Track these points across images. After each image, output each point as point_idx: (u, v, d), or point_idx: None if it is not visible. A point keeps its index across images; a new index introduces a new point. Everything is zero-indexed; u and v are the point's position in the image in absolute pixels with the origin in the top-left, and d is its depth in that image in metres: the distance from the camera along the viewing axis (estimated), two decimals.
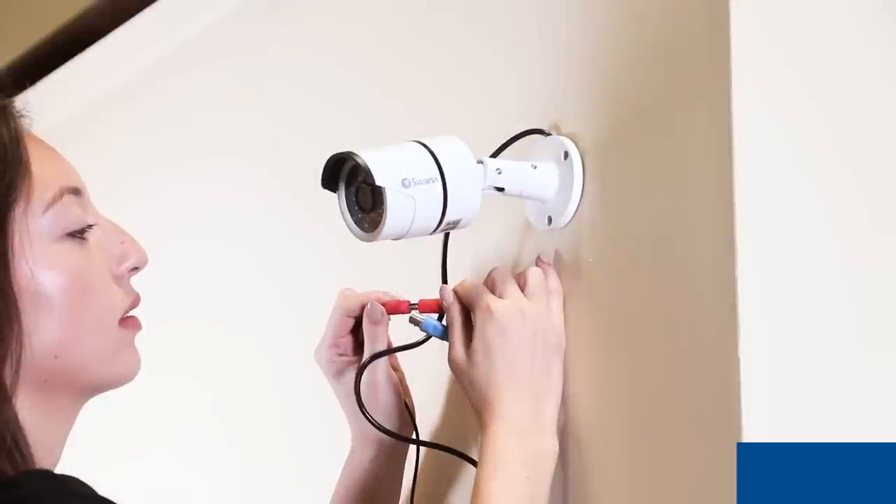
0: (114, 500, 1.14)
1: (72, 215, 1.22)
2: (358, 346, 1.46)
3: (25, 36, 2.64)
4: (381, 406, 1.44)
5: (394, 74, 1.74)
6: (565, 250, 1.40)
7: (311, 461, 1.86)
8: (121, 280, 1.26)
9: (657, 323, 1.29)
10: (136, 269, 1.27)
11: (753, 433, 1.19)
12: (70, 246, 1.21)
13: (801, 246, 1.25)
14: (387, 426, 1.44)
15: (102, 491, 1.14)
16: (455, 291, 1.38)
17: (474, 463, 1.41)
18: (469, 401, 1.35)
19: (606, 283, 1.35)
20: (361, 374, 1.42)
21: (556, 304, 1.36)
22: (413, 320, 1.41)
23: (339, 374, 1.46)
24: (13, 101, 1.23)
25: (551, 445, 1.32)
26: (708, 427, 1.23)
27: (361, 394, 1.42)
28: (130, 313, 1.28)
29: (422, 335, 1.43)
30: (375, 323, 1.42)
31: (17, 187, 1.19)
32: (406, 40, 1.72)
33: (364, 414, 1.42)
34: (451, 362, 1.35)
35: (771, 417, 1.21)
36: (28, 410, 1.18)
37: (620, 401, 1.32)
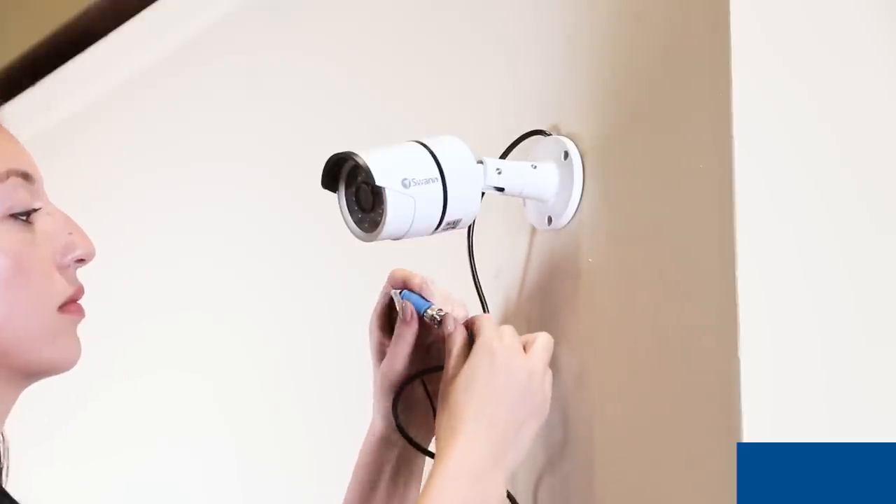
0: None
1: (16, 197, 1.23)
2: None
3: (25, 36, 2.64)
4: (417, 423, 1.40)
5: (394, 74, 1.74)
6: (565, 250, 1.40)
7: (312, 457, 1.86)
8: (65, 270, 1.26)
9: (657, 323, 1.29)
10: (81, 260, 1.27)
11: (753, 433, 1.19)
12: (11, 227, 1.23)
13: (801, 246, 1.25)
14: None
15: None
16: (465, 323, 1.33)
17: None
18: (435, 423, 1.31)
19: (606, 283, 1.35)
20: (400, 394, 1.38)
21: (549, 378, 1.32)
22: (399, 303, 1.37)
23: (376, 351, 1.40)
24: None
25: (498, 491, 1.27)
26: (708, 427, 1.23)
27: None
28: (78, 301, 1.27)
29: None
30: (403, 322, 1.37)
31: None
32: (406, 40, 1.72)
33: (403, 434, 1.38)
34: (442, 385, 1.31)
35: (771, 417, 1.21)
36: None
37: (620, 401, 1.32)
